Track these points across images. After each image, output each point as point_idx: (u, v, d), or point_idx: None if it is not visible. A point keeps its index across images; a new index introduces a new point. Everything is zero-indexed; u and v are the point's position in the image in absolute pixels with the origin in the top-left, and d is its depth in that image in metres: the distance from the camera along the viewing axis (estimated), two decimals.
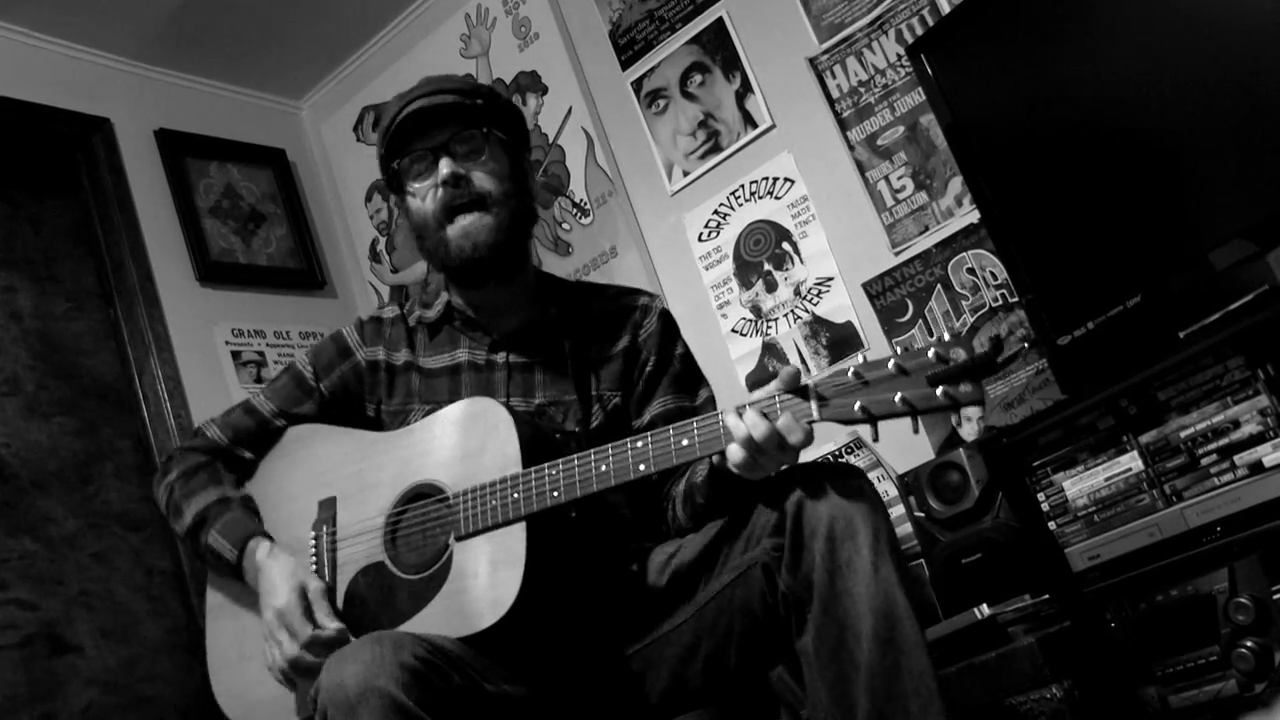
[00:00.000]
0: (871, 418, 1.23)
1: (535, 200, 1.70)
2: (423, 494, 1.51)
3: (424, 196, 1.60)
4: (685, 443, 1.33)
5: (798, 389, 1.28)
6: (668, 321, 1.70)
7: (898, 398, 1.21)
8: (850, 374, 1.25)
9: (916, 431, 1.22)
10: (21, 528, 2.49)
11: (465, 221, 1.57)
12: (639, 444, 1.36)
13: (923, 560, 2.24)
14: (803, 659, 1.31)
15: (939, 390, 1.19)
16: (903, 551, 1.35)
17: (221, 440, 1.68)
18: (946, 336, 1.21)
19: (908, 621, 1.25)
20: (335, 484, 1.59)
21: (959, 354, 1.19)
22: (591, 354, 1.64)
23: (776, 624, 1.35)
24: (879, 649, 1.24)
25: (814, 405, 1.26)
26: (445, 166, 1.57)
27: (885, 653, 1.24)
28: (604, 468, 1.37)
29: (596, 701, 1.48)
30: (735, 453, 1.29)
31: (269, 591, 1.50)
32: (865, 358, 1.27)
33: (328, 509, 1.57)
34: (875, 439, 1.24)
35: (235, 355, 3.07)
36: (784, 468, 1.35)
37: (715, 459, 1.36)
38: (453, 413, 1.52)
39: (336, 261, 3.59)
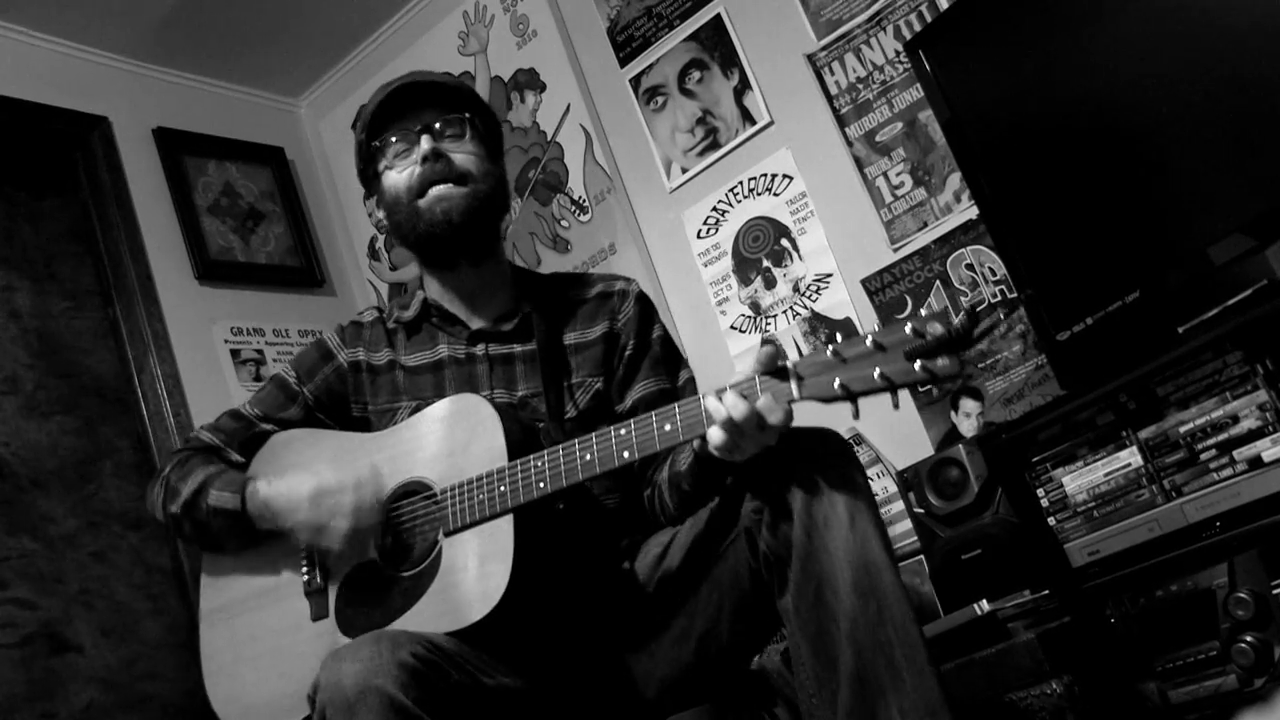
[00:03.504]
0: (851, 395, 1.23)
1: (508, 195, 1.72)
2: (410, 491, 1.51)
3: (401, 172, 1.62)
4: (668, 428, 1.33)
5: (776, 370, 1.28)
6: (645, 305, 1.70)
7: (876, 373, 1.21)
8: (829, 352, 1.25)
9: (897, 407, 1.22)
10: (21, 527, 2.49)
11: (440, 190, 1.59)
12: (622, 431, 1.36)
13: (922, 556, 2.24)
14: (784, 618, 1.32)
15: (917, 364, 1.19)
16: (880, 509, 1.34)
17: (213, 441, 1.68)
18: (924, 312, 1.21)
19: (886, 572, 1.25)
20: None
21: (935, 328, 1.18)
22: (570, 342, 1.65)
23: (761, 590, 1.35)
24: (859, 600, 1.24)
25: (793, 385, 1.26)
26: (426, 143, 1.60)
27: (866, 603, 1.24)
28: (588, 456, 1.37)
29: (595, 694, 1.48)
30: (715, 435, 1.28)
31: (291, 493, 1.49)
32: (841, 337, 1.27)
33: None
34: (856, 416, 1.25)
35: (234, 354, 3.07)
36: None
37: (697, 445, 1.36)
38: (438, 410, 1.52)
39: (335, 259, 3.59)
